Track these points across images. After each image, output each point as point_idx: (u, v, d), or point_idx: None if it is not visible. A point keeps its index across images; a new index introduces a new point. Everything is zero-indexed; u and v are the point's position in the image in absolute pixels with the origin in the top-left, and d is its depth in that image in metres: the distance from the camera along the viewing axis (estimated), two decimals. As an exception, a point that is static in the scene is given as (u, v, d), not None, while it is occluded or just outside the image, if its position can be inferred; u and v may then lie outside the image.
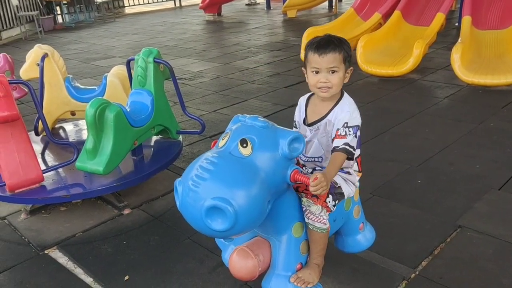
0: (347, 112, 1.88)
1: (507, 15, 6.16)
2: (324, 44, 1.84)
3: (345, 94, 1.97)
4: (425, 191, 3.07)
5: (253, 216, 1.56)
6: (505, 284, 2.18)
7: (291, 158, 1.68)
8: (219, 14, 12.64)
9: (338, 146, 1.83)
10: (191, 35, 10.02)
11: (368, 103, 4.87)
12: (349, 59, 1.90)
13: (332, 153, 1.86)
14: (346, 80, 1.93)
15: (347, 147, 1.82)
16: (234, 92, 5.62)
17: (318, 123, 1.95)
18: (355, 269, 2.33)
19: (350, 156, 1.85)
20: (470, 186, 3.10)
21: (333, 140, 1.88)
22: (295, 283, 1.86)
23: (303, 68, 1.99)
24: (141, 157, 3.21)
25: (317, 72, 1.87)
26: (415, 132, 4.08)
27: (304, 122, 2.01)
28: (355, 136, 1.86)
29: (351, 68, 1.94)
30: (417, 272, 2.29)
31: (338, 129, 1.86)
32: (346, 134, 1.83)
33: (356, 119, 1.88)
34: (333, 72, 1.86)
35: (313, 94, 2.02)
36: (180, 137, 3.51)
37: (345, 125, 1.84)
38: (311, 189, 1.67)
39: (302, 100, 2.06)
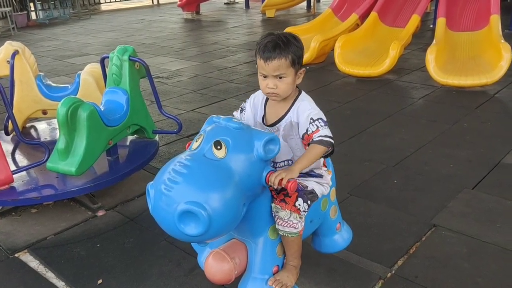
0: (309, 110, 1.84)
1: (481, 17, 6.30)
2: (270, 49, 1.75)
3: (303, 93, 1.93)
4: (401, 190, 3.11)
5: (227, 220, 1.53)
6: (479, 283, 2.21)
7: (266, 160, 1.66)
8: (198, 12, 12.55)
9: (313, 139, 1.79)
10: (169, 33, 9.91)
11: (345, 103, 4.90)
12: (299, 60, 1.82)
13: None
14: (299, 81, 1.87)
15: (323, 138, 1.77)
16: (213, 91, 5.58)
17: (278, 124, 1.90)
18: (332, 269, 2.33)
19: (329, 148, 1.79)
20: (445, 185, 3.15)
21: (303, 138, 1.84)
22: (274, 286, 1.84)
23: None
24: (116, 157, 3.14)
25: (265, 77, 1.82)
26: (391, 132, 4.12)
27: (263, 121, 1.96)
28: (327, 126, 1.80)
29: (303, 69, 1.87)
30: (393, 272, 2.31)
31: (307, 129, 1.81)
32: (318, 128, 1.79)
33: (319, 113, 1.84)
34: (280, 77, 1.80)
35: None
36: (157, 137, 3.46)
37: (311, 120, 1.80)
38: (270, 179, 1.66)
39: (261, 97, 1.97)
